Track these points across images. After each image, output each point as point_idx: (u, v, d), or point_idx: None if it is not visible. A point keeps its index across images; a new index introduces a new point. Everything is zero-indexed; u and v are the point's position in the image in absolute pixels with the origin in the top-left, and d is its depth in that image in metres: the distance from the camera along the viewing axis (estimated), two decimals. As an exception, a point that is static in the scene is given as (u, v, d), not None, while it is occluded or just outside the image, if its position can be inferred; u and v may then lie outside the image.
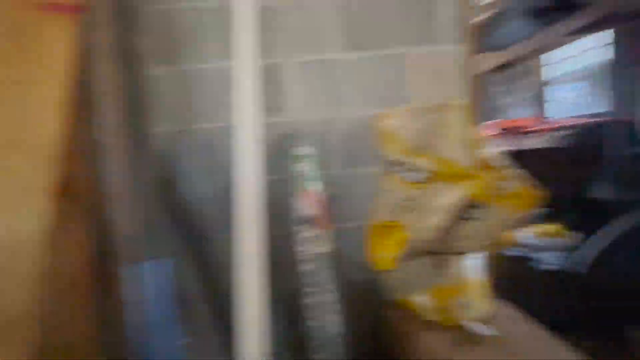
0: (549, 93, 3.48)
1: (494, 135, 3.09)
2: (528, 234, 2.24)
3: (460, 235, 0.82)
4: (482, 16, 3.81)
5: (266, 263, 0.88)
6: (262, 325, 0.82)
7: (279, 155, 1.10)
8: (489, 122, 3.26)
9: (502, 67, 3.65)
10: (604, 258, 1.67)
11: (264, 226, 0.90)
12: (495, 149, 0.87)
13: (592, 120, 2.35)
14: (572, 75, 3.35)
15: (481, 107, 3.95)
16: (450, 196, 0.77)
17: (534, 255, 1.98)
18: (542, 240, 2.13)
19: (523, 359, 0.74)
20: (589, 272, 1.68)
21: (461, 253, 0.86)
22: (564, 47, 3.23)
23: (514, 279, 2.02)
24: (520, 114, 3.46)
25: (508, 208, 0.81)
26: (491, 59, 3.45)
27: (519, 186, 0.80)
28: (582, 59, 3.26)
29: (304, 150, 1.02)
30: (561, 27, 2.84)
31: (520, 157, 2.69)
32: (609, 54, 2.63)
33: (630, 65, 2.16)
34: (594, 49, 3.06)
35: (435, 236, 0.80)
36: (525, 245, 2.12)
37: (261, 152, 0.94)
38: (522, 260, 1.99)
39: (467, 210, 0.79)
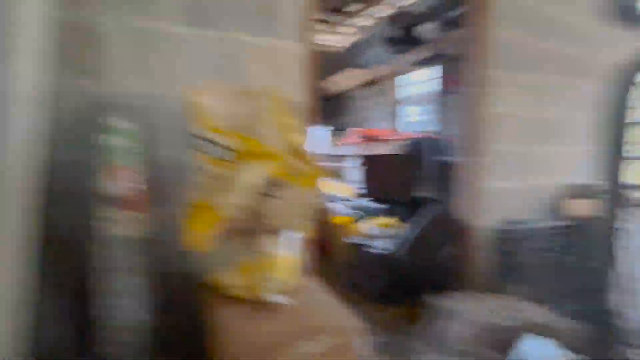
0: (401, 110, 4.17)
1: (357, 140, 3.53)
2: (371, 226, 2.65)
3: (266, 214, 0.93)
4: (354, 38, 4.33)
5: (35, 247, 0.78)
6: (13, 321, 0.73)
7: (90, 126, 0.96)
8: (355, 129, 3.72)
9: (368, 84, 4.22)
10: (414, 243, 2.10)
11: (36, 205, 0.79)
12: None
13: (420, 134, 2.93)
14: (418, 97, 4.09)
15: (349, 116, 4.47)
16: (252, 175, 0.86)
17: (373, 242, 2.36)
18: (380, 230, 2.55)
19: (309, 324, 0.87)
20: (405, 254, 2.10)
21: (271, 231, 0.97)
22: (413, 73, 3.93)
23: (355, 261, 2.36)
24: (379, 125, 4.04)
25: (306, 187, 0.94)
26: (358, 76, 3.96)
27: (314, 168, 0.94)
28: (425, 86, 4.01)
29: (122, 123, 0.93)
30: (408, 57, 3.47)
31: (373, 160, 3.15)
32: (438, 84, 3.31)
33: (445, 95, 2.79)
34: (432, 78, 3.80)
35: (243, 214, 0.88)
36: (367, 235, 2.51)
37: (43, 119, 0.81)
38: (363, 247, 2.34)
39: (270, 188, 0.89)
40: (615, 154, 0.76)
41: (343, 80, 4.14)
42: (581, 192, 2.07)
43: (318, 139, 4.09)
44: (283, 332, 0.82)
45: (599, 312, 1.69)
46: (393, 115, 4.17)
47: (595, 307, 1.60)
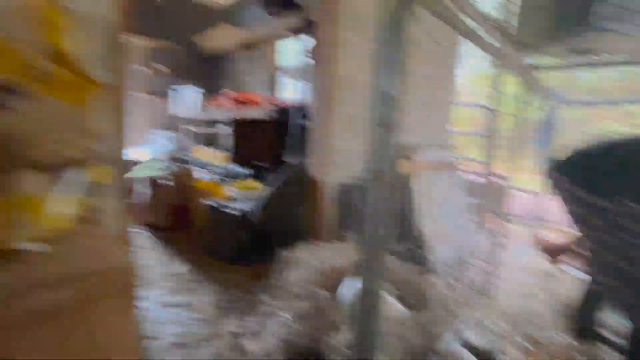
0: (279, 77, 4.14)
1: (229, 104, 3.36)
2: (233, 188, 2.60)
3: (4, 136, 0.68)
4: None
5: None
6: None
7: None
8: (228, 91, 3.52)
9: (247, 47, 4.02)
10: (269, 202, 2.13)
11: None
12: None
13: (290, 101, 2.97)
14: (294, 65, 4.10)
15: (226, 79, 4.23)
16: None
17: (233, 205, 2.30)
18: (241, 192, 2.51)
19: (59, 272, 0.73)
20: (260, 214, 2.11)
21: (19, 161, 0.75)
22: (291, 40, 3.90)
23: (214, 223, 2.28)
24: (257, 90, 3.93)
25: (68, 102, 0.74)
26: (235, 35, 3.72)
27: (77, 72, 0.75)
28: (300, 53, 4.02)
29: None
30: (284, 21, 3.41)
31: (243, 125, 3.05)
32: (307, 52, 3.36)
33: (312, 63, 2.85)
34: (305, 46, 3.83)
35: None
36: (228, 198, 2.44)
37: None
38: (222, 209, 2.26)
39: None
40: (386, 114, 0.78)
41: (219, 38, 3.84)
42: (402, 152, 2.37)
43: (188, 99, 3.74)
44: (21, 283, 0.67)
45: (413, 251, 2.01)
46: (272, 82, 4.10)
47: (410, 247, 1.90)
